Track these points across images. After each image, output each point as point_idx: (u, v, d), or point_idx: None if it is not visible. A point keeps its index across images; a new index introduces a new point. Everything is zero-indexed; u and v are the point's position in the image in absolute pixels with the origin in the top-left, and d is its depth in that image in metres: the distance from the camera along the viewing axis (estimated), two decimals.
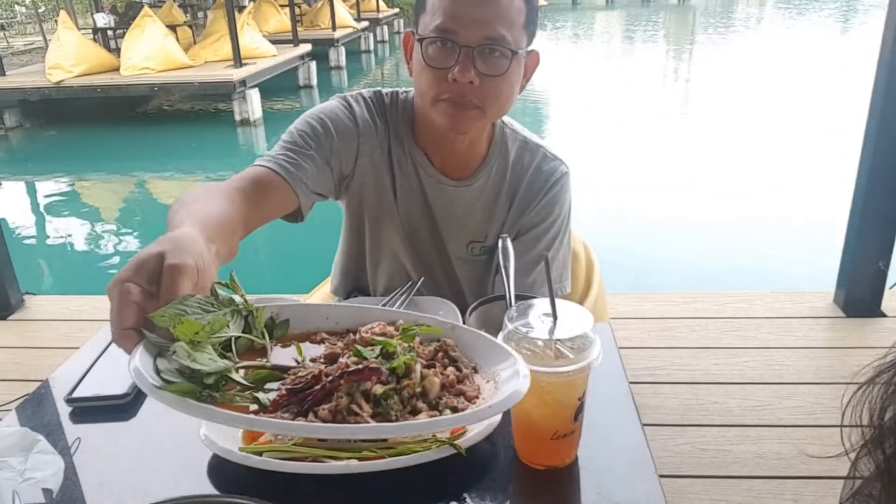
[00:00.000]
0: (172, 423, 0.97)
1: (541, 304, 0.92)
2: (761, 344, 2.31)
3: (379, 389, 0.71)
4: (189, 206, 0.96)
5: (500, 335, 0.91)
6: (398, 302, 1.32)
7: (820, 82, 11.62)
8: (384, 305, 1.31)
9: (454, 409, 0.70)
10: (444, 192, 1.41)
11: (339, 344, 0.83)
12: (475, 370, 0.78)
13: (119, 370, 1.14)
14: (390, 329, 0.81)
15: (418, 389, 0.72)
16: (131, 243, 5.64)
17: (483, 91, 1.21)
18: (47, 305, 2.77)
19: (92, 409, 1.07)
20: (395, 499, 0.85)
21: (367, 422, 0.68)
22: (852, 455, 0.55)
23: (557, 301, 0.90)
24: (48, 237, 5.92)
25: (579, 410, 0.89)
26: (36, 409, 1.08)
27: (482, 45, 1.19)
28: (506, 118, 1.44)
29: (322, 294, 1.73)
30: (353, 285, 1.54)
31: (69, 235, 5.84)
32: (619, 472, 0.92)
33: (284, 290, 1.37)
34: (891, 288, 2.56)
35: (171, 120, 10.69)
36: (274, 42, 11.21)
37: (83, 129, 9.84)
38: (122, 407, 1.07)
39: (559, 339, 0.86)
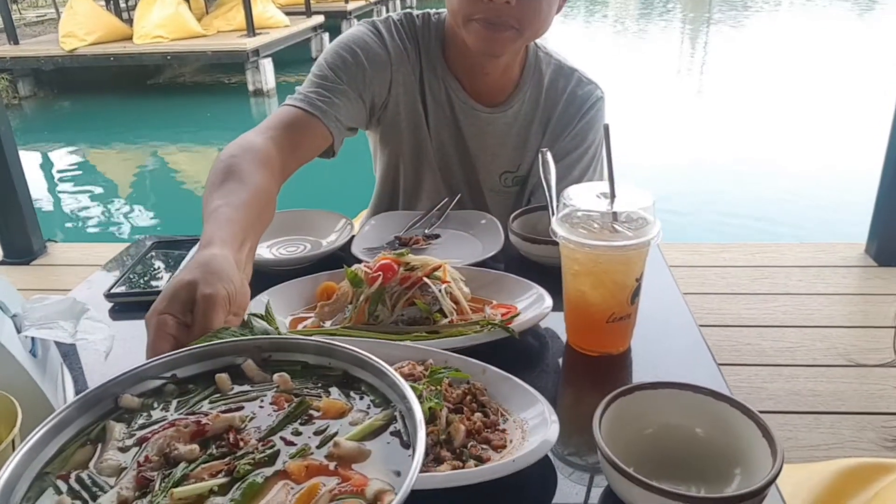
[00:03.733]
0: None
1: (597, 186, 0.89)
2: (792, 290, 2.27)
3: None
4: (229, 188, 0.93)
5: (554, 218, 0.88)
6: (435, 216, 1.29)
7: (854, 38, 11.44)
8: (421, 221, 1.29)
9: (478, 459, 0.67)
10: (478, 119, 1.36)
11: None
12: (504, 416, 0.73)
13: (159, 267, 1.13)
14: (419, 369, 0.77)
15: (443, 437, 0.68)
16: (147, 203, 5.65)
17: (520, 10, 1.14)
18: (69, 252, 2.77)
19: (130, 305, 1.06)
20: None
21: None
22: None
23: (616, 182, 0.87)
24: (66, 197, 5.92)
25: (636, 293, 0.86)
26: None
27: None
28: (538, 40, 1.39)
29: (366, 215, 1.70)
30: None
31: (86, 195, 5.84)
32: (676, 359, 0.90)
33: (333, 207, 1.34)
34: None
35: (184, 90, 10.64)
36: (287, 13, 11.11)
37: (97, 99, 9.81)
38: None
39: (616, 214, 0.84)
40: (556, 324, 0.95)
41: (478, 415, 0.72)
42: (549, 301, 0.92)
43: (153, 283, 1.09)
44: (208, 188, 0.95)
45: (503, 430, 0.71)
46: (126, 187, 6.14)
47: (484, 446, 0.69)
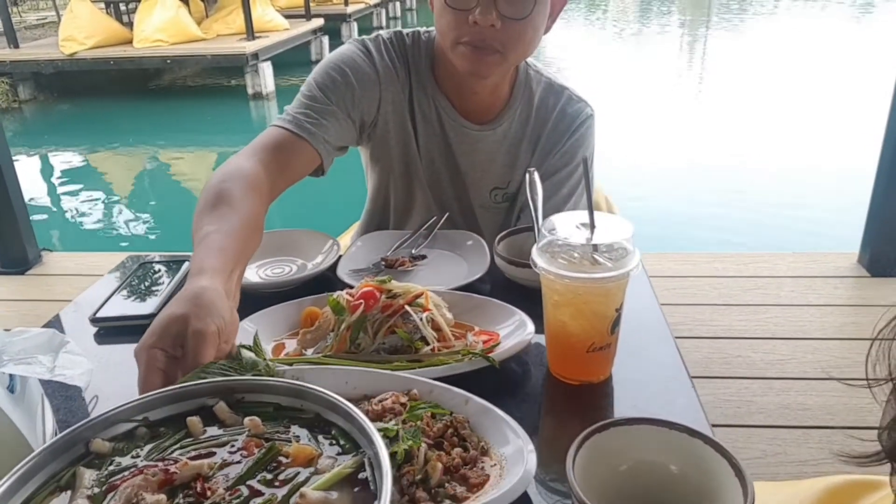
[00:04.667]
0: None
1: (578, 216, 0.89)
2: (784, 301, 2.27)
3: None
4: (220, 214, 0.95)
5: (535, 247, 0.88)
6: (423, 236, 1.29)
7: (847, 44, 11.44)
8: (408, 241, 1.29)
9: (453, 499, 0.66)
10: (467, 137, 1.37)
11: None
12: (484, 451, 0.72)
13: (143, 294, 1.13)
14: (403, 400, 0.76)
15: (419, 477, 0.67)
16: (146, 209, 5.65)
17: (505, 35, 1.15)
18: (64, 261, 2.77)
19: (116, 330, 1.06)
20: None
21: None
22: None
23: (595, 213, 0.87)
24: (63, 202, 5.93)
25: (616, 323, 0.87)
26: (60, 330, 1.07)
27: None
28: (530, 59, 1.39)
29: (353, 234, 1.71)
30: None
31: (84, 201, 5.85)
32: (655, 387, 0.90)
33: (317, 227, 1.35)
34: None
35: (183, 94, 10.66)
36: (286, 16, 11.12)
37: (97, 102, 9.82)
38: (146, 327, 1.06)
39: (596, 246, 0.84)
40: (539, 349, 0.95)
41: (457, 450, 0.71)
42: (531, 327, 0.92)
43: (139, 306, 1.09)
44: (199, 212, 0.96)
45: (482, 468, 0.71)
46: (125, 193, 6.15)
47: (461, 485, 0.68)
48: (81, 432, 0.57)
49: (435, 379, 0.81)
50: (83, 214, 5.56)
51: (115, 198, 5.96)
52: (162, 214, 5.47)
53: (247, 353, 0.76)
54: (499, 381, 0.90)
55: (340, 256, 1.23)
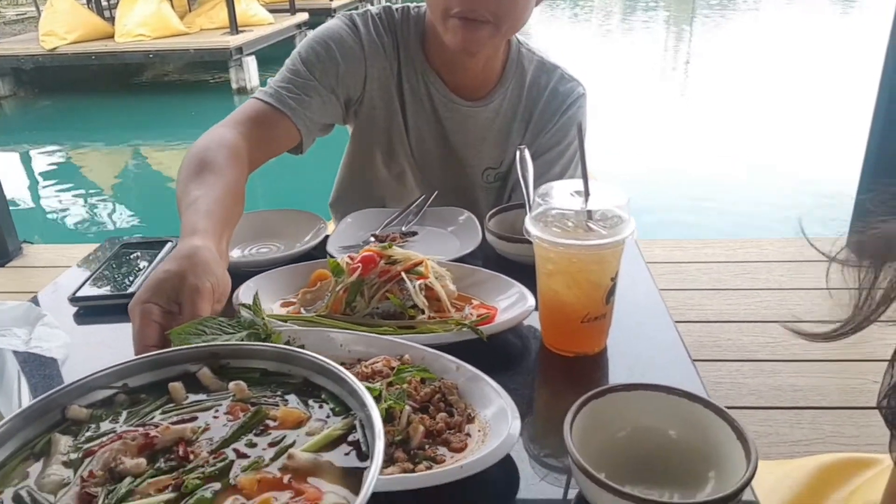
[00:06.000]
0: None
1: (572, 184, 0.87)
2: (774, 285, 2.27)
3: None
4: (205, 180, 0.95)
5: (528, 217, 0.86)
6: (413, 213, 1.27)
7: (835, 35, 11.53)
8: (397, 218, 1.27)
9: (432, 461, 0.65)
10: (458, 113, 1.34)
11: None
12: (470, 419, 0.71)
13: (123, 274, 1.10)
14: (394, 364, 0.75)
15: (399, 437, 0.66)
16: (128, 203, 5.58)
17: (496, 4, 1.13)
18: (45, 253, 2.72)
19: (96, 309, 1.03)
20: None
21: None
22: None
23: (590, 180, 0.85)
24: (44, 197, 5.84)
25: (611, 292, 0.85)
26: None
27: None
28: (521, 38, 1.37)
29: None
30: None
31: (65, 195, 5.76)
32: (651, 359, 0.88)
33: (305, 206, 1.32)
34: None
35: (167, 89, 10.53)
36: (271, 10, 11.03)
37: (79, 98, 9.68)
38: (126, 307, 1.03)
39: (591, 213, 0.82)
40: (534, 322, 0.93)
41: (442, 415, 0.70)
42: (531, 301, 0.90)
43: (119, 286, 1.06)
44: (183, 179, 0.97)
45: (466, 433, 0.69)
46: (107, 187, 6.07)
47: (442, 448, 0.67)
48: (56, 398, 0.55)
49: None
50: (65, 209, 5.48)
51: (97, 192, 5.88)
52: (144, 209, 5.41)
53: (246, 313, 0.76)
54: (493, 353, 0.87)
55: (328, 237, 1.20)
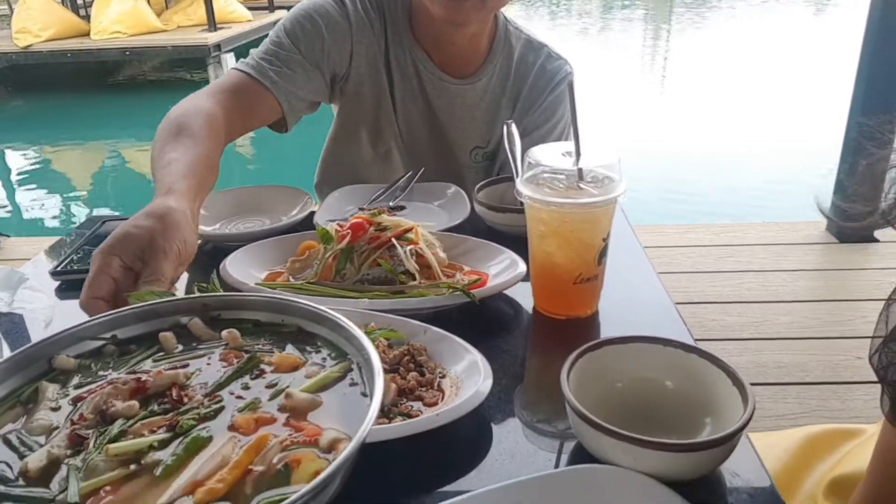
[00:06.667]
0: None
1: (562, 145, 0.87)
2: (756, 268, 2.29)
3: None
4: (182, 143, 0.95)
5: (519, 179, 0.86)
6: (401, 188, 1.26)
7: (812, 25, 11.70)
8: (385, 193, 1.26)
9: (407, 416, 0.64)
10: (446, 91, 1.33)
11: None
12: (441, 375, 0.71)
13: None
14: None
15: None
16: (106, 201, 5.50)
17: None
18: (23, 246, 2.68)
19: (78, 283, 1.00)
20: None
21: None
22: None
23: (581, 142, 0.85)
24: (21, 196, 5.74)
25: (603, 253, 0.85)
26: None
27: None
28: (508, 16, 1.37)
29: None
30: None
31: (42, 192, 5.67)
32: (643, 321, 0.88)
33: (292, 182, 1.31)
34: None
35: (145, 88, 10.41)
36: (249, 8, 10.93)
37: (54, 97, 9.53)
38: None
39: (582, 172, 0.82)
40: (525, 291, 0.93)
41: (413, 374, 0.70)
42: (522, 267, 0.89)
43: None
44: (160, 141, 0.95)
45: (439, 389, 0.69)
46: (85, 185, 5.98)
47: (417, 404, 0.66)
48: (43, 348, 0.53)
49: (411, 312, 0.80)
50: (42, 205, 5.40)
51: (74, 189, 5.80)
52: (121, 205, 5.34)
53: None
54: (484, 318, 0.87)
55: (314, 213, 1.18)
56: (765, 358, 1.81)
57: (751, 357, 1.81)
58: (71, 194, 5.72)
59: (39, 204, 5.45)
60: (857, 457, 0.95)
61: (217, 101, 1.07)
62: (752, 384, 1.77)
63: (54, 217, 5.17)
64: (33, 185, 5.91)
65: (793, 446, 1.02)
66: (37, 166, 6.56)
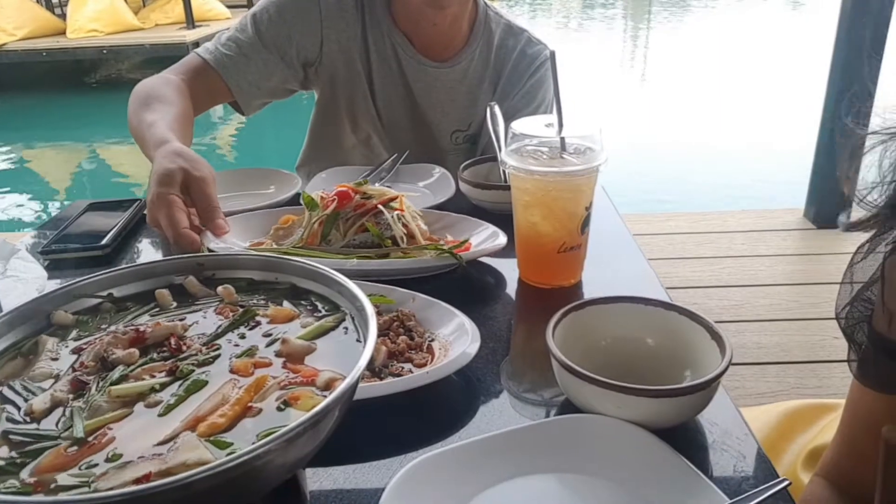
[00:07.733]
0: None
1: (544, 118, 0.89)
2: (736, 253, 2.33)
3: None
4: (158, 107, 1.00)
5: (504, 151, 0.88)
6: (385, 170, 1.27)
7: (788, 19, 11.89)
8: (370, 175, 1.27)
9: (397, 376, 0.66)
10: (426, 74, 1.34)
11: None
12: (432, 340, 0.73)
13: (97, 226, 1.08)
14: None
15: None
16: (83, 197, 5.44)
17: None
18: None
19: (68, 262, 1.01)
20: None
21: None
22: None
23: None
24: None
25: (586, 222, 0.87)
26: None
27: None
28: (487, 1, 1.39)
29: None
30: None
31: (18, 194, 5.60)
32: (626, 288, 0.91)
33: (279, 164, 1.32)
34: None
35: (123, 87, 10.29)
36: (228, 6, 10.86)
37: (30, 97, 9.40)
38: (101, 259, 1.01)
39: (564, 142, 0.84)
40: (511, 264, 0.95)
41: (403, 338, 0.71)
42: (503, 238, 0.91)
43: (90, 240, 1.04)
44: (135, 110, 1.00)
45: (428, 351, 0.70)
46: (62, 185, 5.91)
47: (407, 365, 0.68)
48: (41, 304, 0.54)
49: (400, 272, 0.83)
50: (19, 205, 5.33)
51: (52, 190, 5.73)
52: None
53: None
54: (471, 290, 0.89)
55: (299, 193, 1.19)
56: (745, 339, 1.85)
57: (731, 338, 1.84)
58: (48, 194, 5.65)
59: (15, 204, 5.38)
60: (834, 429, 0.98)
61: (180, 78, 1.15)
62: (734, 364, 1.80)
63: (30, 217, 5.11)
64: (7, 188, 5.83)
65: (773, 420, 1.05)
66: (13, 166, 6.47)
